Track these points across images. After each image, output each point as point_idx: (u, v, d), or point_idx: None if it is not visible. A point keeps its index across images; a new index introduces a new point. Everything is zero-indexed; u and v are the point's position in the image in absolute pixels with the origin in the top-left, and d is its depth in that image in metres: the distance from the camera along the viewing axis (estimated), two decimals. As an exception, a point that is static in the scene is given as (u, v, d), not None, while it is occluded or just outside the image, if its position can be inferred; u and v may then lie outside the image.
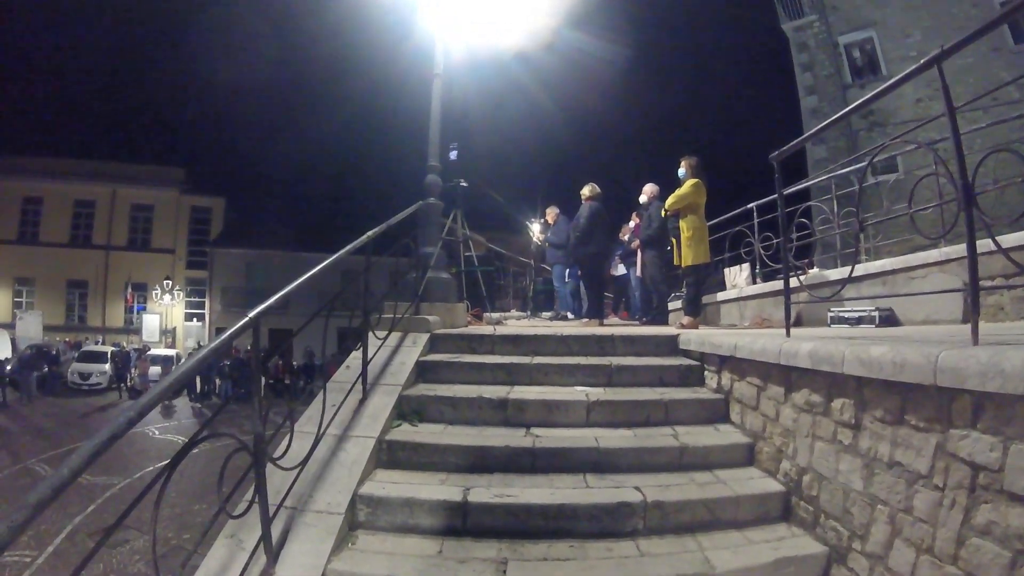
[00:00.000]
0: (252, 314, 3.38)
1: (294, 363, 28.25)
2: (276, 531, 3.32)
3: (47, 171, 40.83)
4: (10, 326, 34.56)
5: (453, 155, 9.23)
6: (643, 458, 4.34)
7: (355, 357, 5.45)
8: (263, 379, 4.26)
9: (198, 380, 26.72)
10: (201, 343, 35.85)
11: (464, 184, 9.60)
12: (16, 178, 40.39)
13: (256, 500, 3.20)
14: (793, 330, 4.90)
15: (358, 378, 5.04)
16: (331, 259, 4.92)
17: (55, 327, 37.82)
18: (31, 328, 34.27)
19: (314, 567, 3.21)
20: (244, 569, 3.13)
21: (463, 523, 3.70)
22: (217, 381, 27.06)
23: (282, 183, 41.65)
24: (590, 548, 3.54)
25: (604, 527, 3.69)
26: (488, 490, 3.89)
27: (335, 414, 4.48)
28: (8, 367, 25.71)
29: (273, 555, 3.22)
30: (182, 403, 25.06)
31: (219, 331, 36.43)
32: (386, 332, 5.96)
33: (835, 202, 8.77)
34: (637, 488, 3.90)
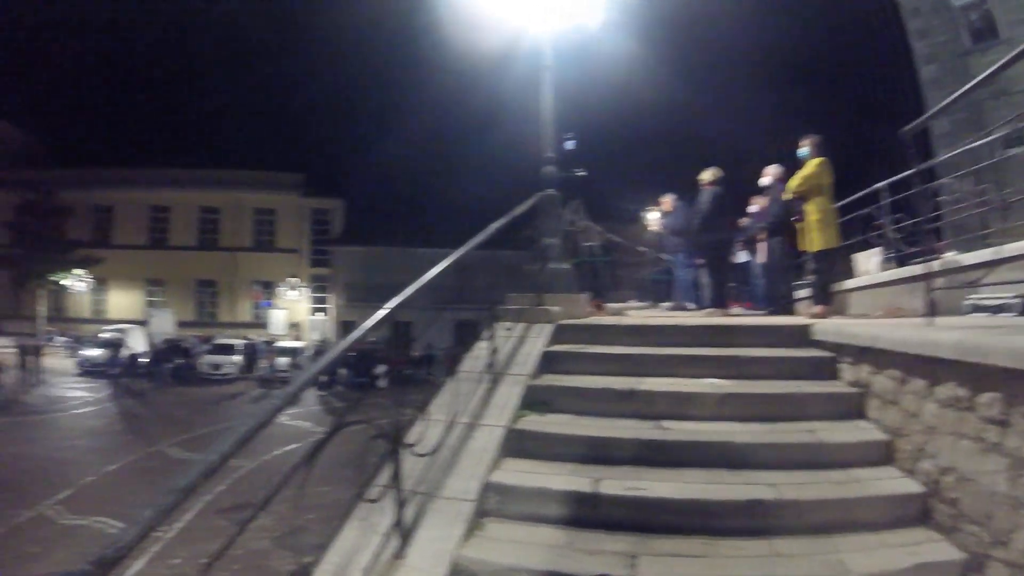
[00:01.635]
0: (389, 306, 3.47)
1: (415, 354, 28.97)
2: (407, 516, 3.37)
3: (174, 181, 44.23)
4: (144, 323, 37.25)
5: (570, 145, 9.10)
6: (776, 454, 4.14)
7: (482, 347, 5.48)
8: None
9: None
10: (325, 336, 37.21)
11: (582, 174, 9.49)
12: (144, 189, 44.27)
13: (391, 485, 3.29)
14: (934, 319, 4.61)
15: (486, 368, 5.08)
16: (459, 252, 4.97)
17: (187, 323, 40.76)
18: (163, 324, 36.92)
19: (444, 552, 3.23)
20: (377, 552, 3.20)
21: (593, 515, 3.62)
22: (342, 371, 27.91)
23: (398, 182, 42.64)
24: (721, 546, 3.40)
25: (736, 524, 3.54)
26: (618, 482, 3.79)
27: (465, 403, 4.52)
28: (144, 360, 27.67)
29: (405, 539, 3.28)
30: (308, 390, 26.00)
31: (343, 324, 38.37)
32: (511, 323, 5.98)
33: (970, 178, 8.12)
34: (770, 485, 3.73)
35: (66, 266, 40.19)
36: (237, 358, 30.21)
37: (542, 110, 7.87)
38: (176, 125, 77.32)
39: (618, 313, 9.02)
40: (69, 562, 9.27)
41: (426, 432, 3.79)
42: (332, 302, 40.69)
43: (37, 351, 29.35)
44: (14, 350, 27.92)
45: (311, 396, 25.07)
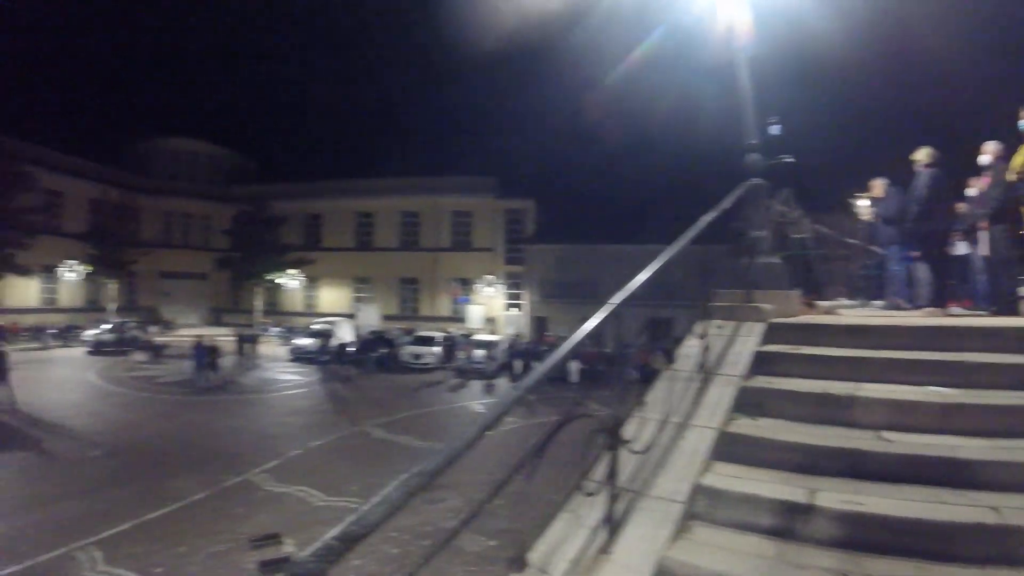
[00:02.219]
0: (614, 301, 3.44)
1: (606, 350, 28.86)
2: (616, 512, 3.34)
3: (377, 190, 48.54)
4: (352, 316, 40.19)
5: (775, 130, 8.43)
6: (1004, 474, 3.60)
7: (692, 345, 5.31)
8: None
9: (520, 363, 28.37)
10: (519, 330, 37.98)
11: (790, 160, 8.76)
12: (351, 197, 49.33)
13: (606, 481, 3.29)
14: None
15: (697, 367, 4.93)
16: (675, 247, 4.84)
17: (391, 316, 43.76)
18: (369, 317, 39.61)
19: (650, 552, 3.16)
20: (584, 545, 3.21)
21: (803, 527, 3.39)
22: (534, 365, 28.32)
23: (587, 179, 42.85)
24: (935, 571, 3.06)
25: (954, 549, 3.15)
26: (832, 494, 3.51)
27: (677, 402, 4.38)
28: (351, 349, 29.64)
29: (612, 534, 3.26)
30: (502, 382, 27.12)
31: (536, 319, 39.19)
32: (722, 321, 5.78)
33: None
34: (993, 508, 3.26)
35: (281, 267, 45.37)
36: (436, 349, 31.57)
37: (740, 94, 7.38)
38: (378, 139, 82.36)
39: (829, 312, 8.40)
40: (271, 525, 10.25)
41: (640, 430, 3.73)
42: (526, 298, 41.47)
43: (254, 340, 32.71)
44: (234, 339, 30.93)
45: (504, 387, 25.93)
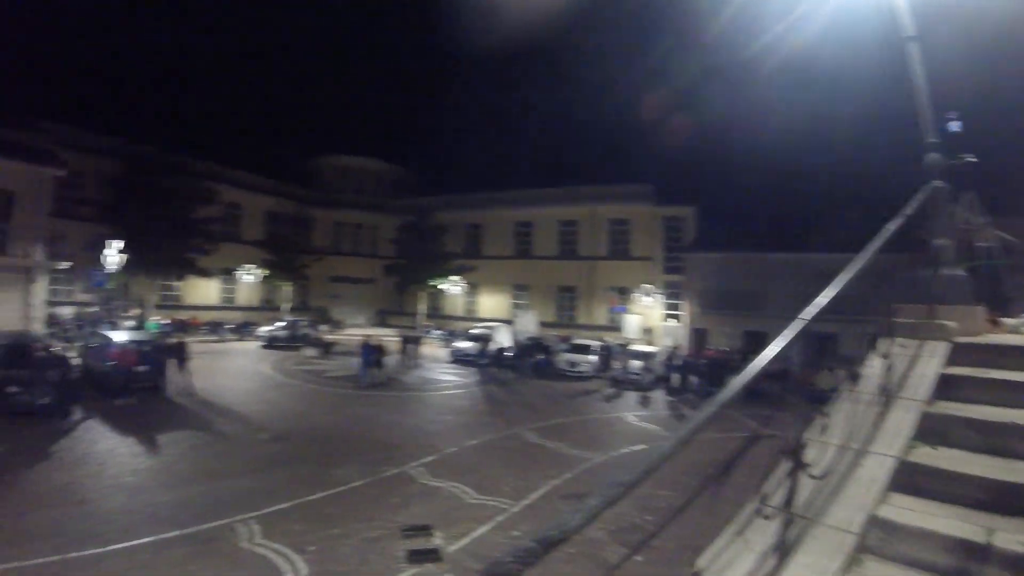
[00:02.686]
0: (805, 316, 3.30)
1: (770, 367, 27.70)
2: (789, 538, 3.26)
3: (535, 199, 49.11)
4: (510, 322, 40.72)
5: (955, 127, 7.66)
6: None
7: (874, 365, 4.90)
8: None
9: (678, 376, 27.71)
10: (676, 341, 37.15)
11: (973, 160, 7.93)
12: (510, 207, 50.14)
13: (782, 505, 3.22)
14: None
15: (879, 389, 4.53)
16: (863, 259, 4.51)
17: (548, 323, 43.80)
18: (527, 324, 39.49)
19: (820, 584, 2.99)
20: (752, 569, 3.14)
21: (980, 569, 3.13)
22: (692, 378, 27.56)
23: (748, 185, 40.86)
24: None
25: None
26: (1011, 536, 3.20)
27: (856, 426, 4.14)
28: (509, 353, 29.96)
29: (781, 561, 3.16)
30: (658, 395, 26.27)
31: (695, 331, 38.22)
32: (905, 339, 5.28)
33: None
34: None
35: (443, 274, 46.89)
36: (593, 358, 31.08)
37: (915, 89, 6.70)
38: (536, 148, 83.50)
39: (1016, 330, 7.56)
40: (423, 516, 10.42)
41: (819, 453, 3.58)
42: (685, 308, 40.42)
43: (416, 341, 33.58)
44: (398, 339, 32.10)
45: (660, 400, 25.20)
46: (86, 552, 8.80)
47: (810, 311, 3.66)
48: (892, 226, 5.05)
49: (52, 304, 32.13)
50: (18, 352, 18.11)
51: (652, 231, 44.46)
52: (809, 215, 33.47)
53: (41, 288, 28.45)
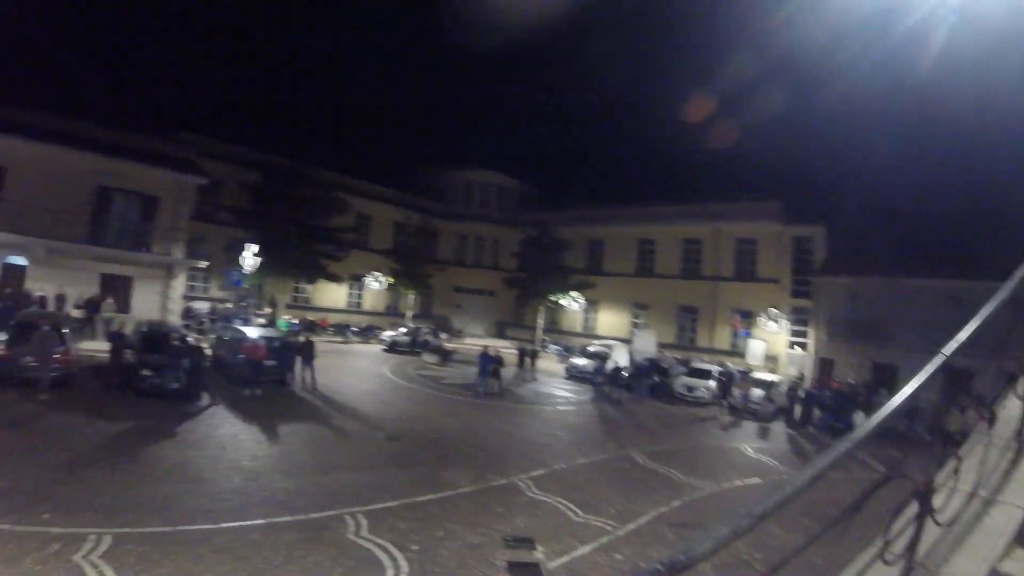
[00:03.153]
0: (946, 352, 3.10)
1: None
2: None
3: (658, 216, 48.14)
4: (628, 341, 40.37)
5: None
6: None
7: (1012, 407, 4.53)
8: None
9: (799, 409, 26.55)
10: (801, 371, 35.68)
11: None
12: (632, 223, 49.73)
13: (905, 552, 2.99)
14: None
15: (1015, 434, 4.17)
16: (1010, 286, 4.14)
17: (667, 345, 42.79)
18: (646, 344, 38.80)
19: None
20: None
21: None
22: (816, 412, 26.36)
23: (886, 202, 38.18)
24: None
25: None
26: None
27: (986, 473, 3.77)
28: (625, 373, 29.51)
29: None
30: (778, 427, 25.24)
31: (821, 361, 36.39)
32: None
33: None
34: None
35: (563, 289, 46.67)
36: (711, 383, 30.13)
37: None
38: (660, 164, 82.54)
39: None
40: (526, 529, 10.46)
41: (948, 499, 3.31)
42: (811, 336, 38.58)
43: (534, 355, 33.66)
44: (515, 351, 32.28)
45: (780, 432, 24.22)
46: (196, 527, 9.38)
47: (951, 346, 3.36)
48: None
49: (189, 299, 35.48)
50: (154, 340, 19.76)
51: (780, 251, 42.42)
52: (946, 237, 31.21)
53: (180, 283, 31.44)
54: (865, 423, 2.88)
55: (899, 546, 2.99)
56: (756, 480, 15.62)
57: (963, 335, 3.54)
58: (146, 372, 18.02)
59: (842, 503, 2.96)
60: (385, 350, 37.65)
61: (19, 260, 26.31)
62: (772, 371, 35.46)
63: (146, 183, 29.62)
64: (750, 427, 24.63)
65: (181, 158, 31.84)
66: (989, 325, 3.69)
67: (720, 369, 32.40)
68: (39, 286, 25.88)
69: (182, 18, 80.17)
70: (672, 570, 1.94)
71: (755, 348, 40.02)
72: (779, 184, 44.65)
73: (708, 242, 45.93)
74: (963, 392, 4.90)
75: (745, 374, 31.86)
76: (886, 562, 2.95)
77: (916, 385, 3.17)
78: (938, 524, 3.08)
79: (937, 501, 3.16)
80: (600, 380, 28.35)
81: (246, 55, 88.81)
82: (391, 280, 46.64)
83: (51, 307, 24.68)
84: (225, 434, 15.06)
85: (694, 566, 1.96)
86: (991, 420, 4.44)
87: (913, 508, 3.04)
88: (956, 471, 3.82)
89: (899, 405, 3.02)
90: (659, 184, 79.03)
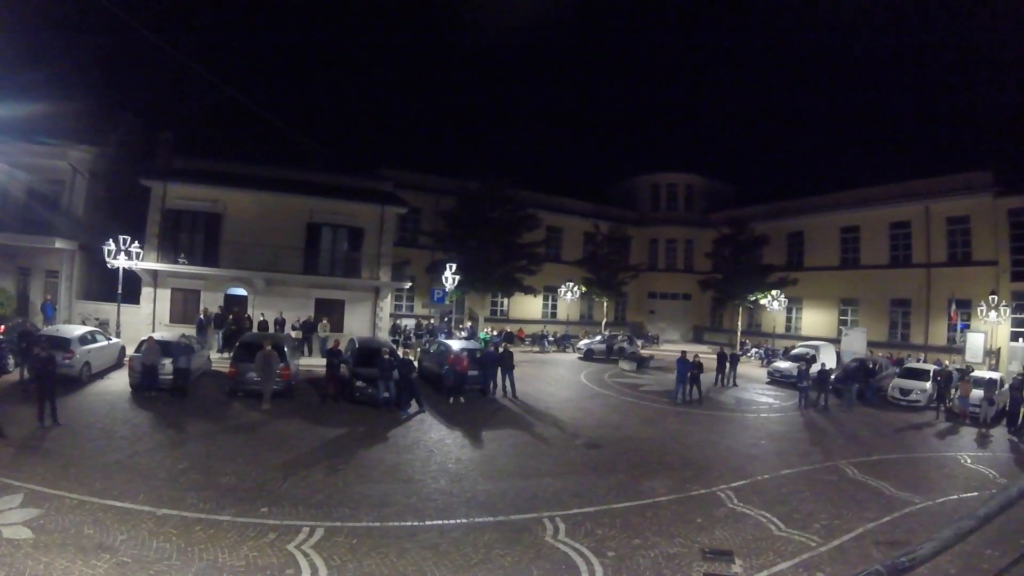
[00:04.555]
0: None
1: None
2: None
3: (860, 200, 45.07)
4: (835, 341, 38.73)
5: None
6: None
7: None
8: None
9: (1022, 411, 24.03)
10: (1026, 367, 32.12)
11: None
12: (832, 211, 46.76)
13: None
14: None
15: None
16: None
17: (878, 343, 40.08)
18: (855, 343, 36.91)
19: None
20: None
21: None
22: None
23: None
24: None
25: None
26: None
27: None
28: (833, 376, 28.44)
29: None
30: (999, 432, 23.13)
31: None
32: None
33: None
34: None
35: (762, 288, 45.57)
36: (927, 385, 27.96)
37: None
38: (857, 144, 77.79)
39: None
40: (726, 541, 10.60)
41: None
42: (1039, 325, 34.49)
43: (734, 359, 33.08)
44: (714, 356, 32.00)
45: (1002, 438, 22.14)
46: (404, 523, 10.53)
47: None
48: None
49: (396, 316, 40.16)
50: (366, 354, 21.98)
51: (996, 228, 37.60)
52: None
53: (387, 303, 35.47)
54: None
55: None
56: (973, 494, 14.71)
57: None
58: (360, 383, 20.40)
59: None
60: (581, 358, 38.72)
61: (240, 291, 31.59)
62: (993, 367, 32.50)
63: (352, 216, 34.18)
64: (968, 433, 22.88)
65: (382, 192, 36.06)
66: None
67: (937, 368, 30.01)
68: (260, 312, 30.66)
69: (368, 69, 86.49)
70: (896, 571, 1.95)
71: (975, 342, 35.59)
72: (988, 152, 40.24)
73: (917, 224, 41.75)
74: None
75: (964, 372, 29.38)
76: None
77: None
78: None
79: None
80: (805, 384, 27.36)
81: (435, 92, 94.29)
82: (584, 289, 47.51)
83: (272, 329, 28.67)
84: (432, 439, 16.65)
85: (916, 569, 1.95)
86: None
87: None
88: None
89: None
90: (857, 166, 74.42)
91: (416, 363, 24.61)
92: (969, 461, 18.26)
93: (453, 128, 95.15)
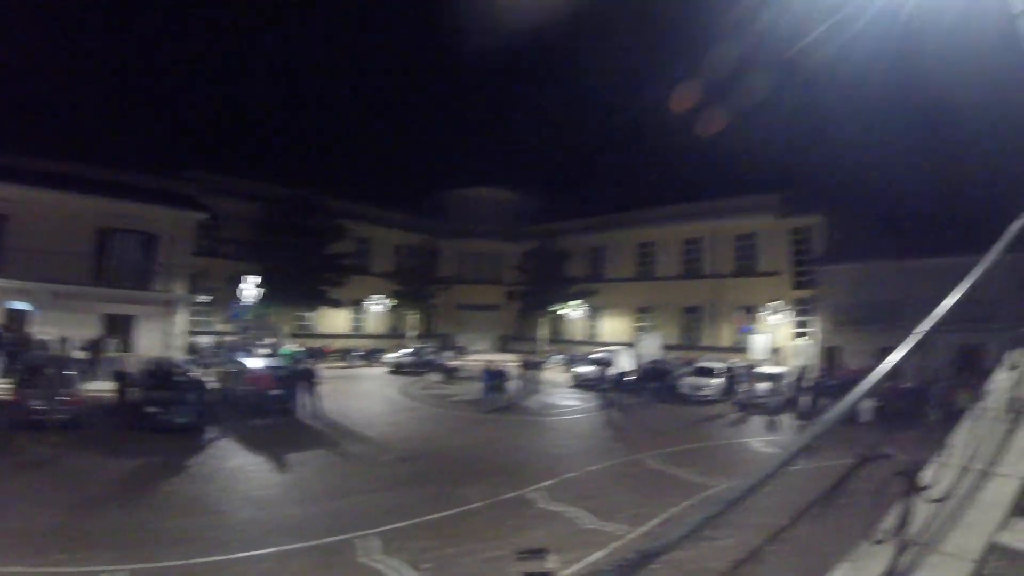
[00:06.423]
0: (921, 330, 3.37)
1: (906, 384, 25.69)
2: (901, 565, 3.13)
3: (656, 219, 48.65)
4: (633, 346, 40.28)
5: None
6: None
7: (1001, 379, 4.62)
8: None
9: (807, 399, 26.34)
10: (808, 361, 35.44)
11: None
12: (631, 228, 50.01)
13: (896, 531, 3.15)
14: None
15: (1007, 404, 4.26)
16: (984, 264, 4.16)
17: (673, 346, 42.77)
18: (651, 347, 39.02)
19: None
20: None
21: None
22: (825, 400, 25.98)
23: (881, 187, 37.80)
24: None
25: None
26: None
27: (980, 446, 3.89)
28: (631, 378, 29.87)
29: None
30: (786, 419, 25.02)
31: (827, 350, 36.24)
32: None
33: None
34: None
35: (566, 299, 47.32)
36: (717, 381, 30.19)
37: None
38: (656, 167, 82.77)
39: None
40: (540, 540, 10.36)
41: (938, 476, 3.48)
42: (816, 326, 38.42)
43: (537, 366, 33.84)
44: (519, 364, 32.34)
45: (788, 424, 24.07)
46: (211, 558, 9.54)
47: (925, 324, 3.47)
48: (1019, 224, 4.63)
49: (193, 333, 35.21)
50: (159, 376, 19.96)
51: (779, 244, 42.44)
52: (955, 213, 30.64)
53: (183, 319, 31.66)
54: (835, 408, 2.96)
55: (891, 526, 3.12)
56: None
57: (939, 313, 3.58)
58: (152, 409, 18.21)
59: (853, 488, 3.08)
60: (390, 372, 37.91)
61: (23, 305, 26.72)
62: (777, 364, 35.25)
63: (146, 222, 30.32)
64: (758, 421, 24.63)
65: (181, 195, 32.47)
66: (996, 299, 3.72)
67: (725, 366, 32.46)
68: (42, 330, 26.22)
69: (175, 54, 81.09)
70: (646, 557, 2.01)
71: (758, 342, 39.78)
72: (775, 177, 44.45)
73: (707, 240, 46.08)
74: (976, 368, 4.95)
75: (751, 369, 31.89)
76: (877, 541, 3.11)
77: (888, 367, 3.28)
78: (929, 501, 3.23)
79: (928, 478, 3.20)
80: (605, 386, 28.25)
81: (241, 86, 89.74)
82: (393, 302, 46.97)
83: (54, 350, 24.82)
84: (235, 465, 15.26)
85: (668, 553, 2.06)
86: (981, 393, 4.48)
87: (902, 487, 3.13)
88: (945, 447, 3.85)
89: (870, 387, 3.17)
90: (657, 187, 78.83)
91: (215, 384, 22.75)
92: (761, 445, 19.52)
93: (263, 130, 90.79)
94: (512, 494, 13.39)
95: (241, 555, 9.69)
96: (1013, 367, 4.50)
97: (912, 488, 3.14)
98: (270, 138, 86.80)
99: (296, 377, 22.76)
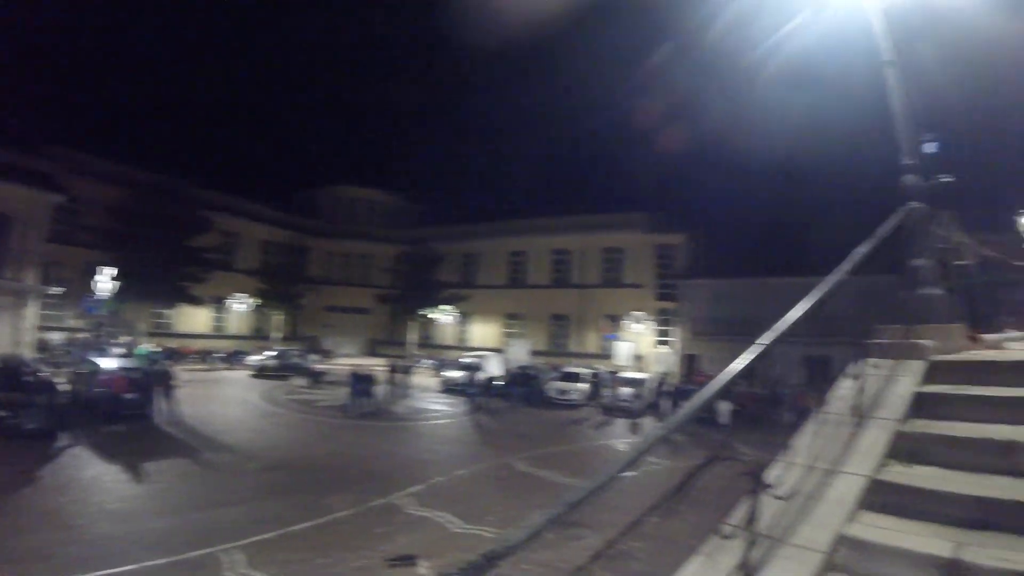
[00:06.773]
0: (764, 341, 3.63)
1: (759, 391, 27.52)
2: (754, 559, 3.26)
3: (529, 229, 50.06)
4: (502, 351, 41.26)
5: (931, 148, 7.68)
6: None
7: (846, 386, 5.02)
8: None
9: (668, 403, 27.46)
10: (668, 368, 37.19)
11: (949, 180, 7.96)
12: (504, 236, 51.20)
13: (744, 525, 3.29)
14: None
15: (851, 409, 4.62)
16: (828, 285, 4.57)
17: (541, 352, 44.08)
18: (519, 352, 40.14)
19: (784, 603, 3.08)
20: None
21: None
22: (683, 404, 27.28)
23: (741, 210, 40.66)
24: None
25: None
26: (984, 550, 3.20)
27: (826, 447, 4.18)
28: (499, 383, 30.42)
29: None
30: (648, 422, 26.06)
31: (687, 358, 38.16)
32: (878, 359, 5.37)
33: None
34: None
35: (437, 303, 47.37)
36: (583, 386, 31.11)
37: (893, 111, 6.83)
38: (532, 179, 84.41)
39: (996, 346, 7.47)
40: (409, 546, 10.39)
41: (784, 474, 3.71)
42: (676, 335, 40.44)
43: (407, 371, 33.68)
44: (388, 369, 32.06)
45: (649, 427, 24.88)
46: None
47: (768, 336, 3.80)
48: (862, 250, 5.14)
49: (44, 329, 32.60)
50: (7, 376, 18.26)
51: (645, 259, 44.91)
52: (803, 238, 33.05)
53: (32, 313, 29.13)
54: (678, 413, 3.24)
55: (740, 521, 3.29)
56: (630, 473, 16.07)
57: (780, 327, 3.90)
58: (1, 413, 16.82)
59: (712, 486, 3.20)
60: (253, 375, 36.35)
61: None
62: (640, 370, 36.62)
63: None
64: (622, 424, 25.55)
65: (38, 173, 29.50)
66: (840, 315, 4.07)
67: (590, 371, 33.56)
68: None
69: (41, 20, 75.58)
70: (491, 559, 2.12)
71: (622, 349, 41.64)
72: (643, 197, 46.76)
73: (577, 252, 47.99)
74: (825, 377, 5.35)
75: (614, 375, 32.89)
76: (724, 537, 3.29)
77: (730, 375, 3.53)
78: (776, 498, 3.42)
79: (775, 477, 3.43)
80: (474, 391, 28.47)
81: (114, 66, 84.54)
82: (258, 301, 45.42)
83: None
84: (89, 476, 14.20)
85: (513, 555, 2.12)
86: (823, 400, 4.89)
87: (749, 484, 3.31)
88: (790, 448, 4.19)
89: (715, 391, 3.40)
90: (532, 199, 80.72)
91: (67, 386, 21.17)
92: (624, 447, 20.21)
93: (130, 110, 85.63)
94: (380, 501, 13.20)
95: (101, 573, 9.04)
96: (855, 377, 4.84)
97: (758, 485, 3.32)
98: (138, 119, 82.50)
99: (152, 379, 21.47)
